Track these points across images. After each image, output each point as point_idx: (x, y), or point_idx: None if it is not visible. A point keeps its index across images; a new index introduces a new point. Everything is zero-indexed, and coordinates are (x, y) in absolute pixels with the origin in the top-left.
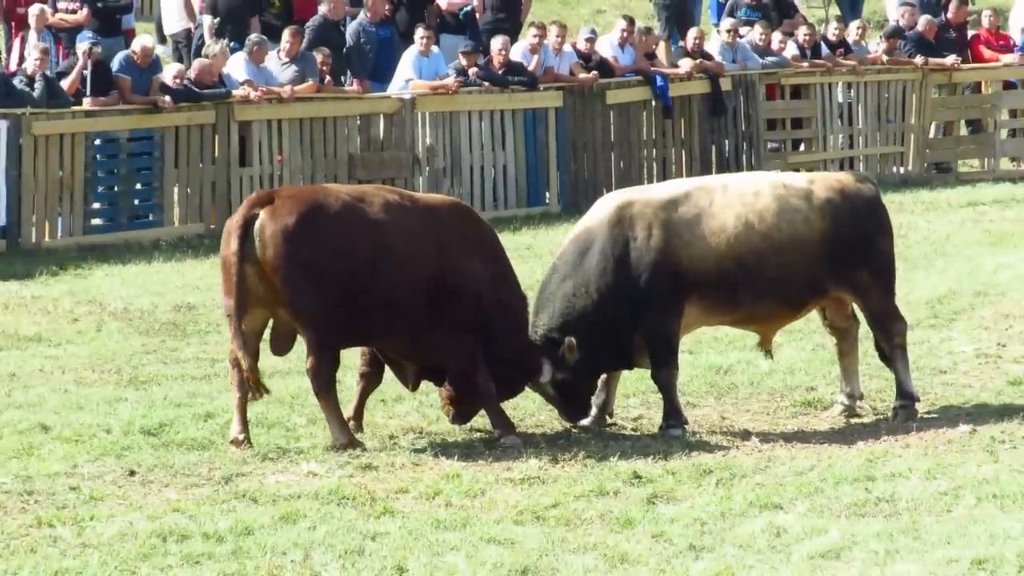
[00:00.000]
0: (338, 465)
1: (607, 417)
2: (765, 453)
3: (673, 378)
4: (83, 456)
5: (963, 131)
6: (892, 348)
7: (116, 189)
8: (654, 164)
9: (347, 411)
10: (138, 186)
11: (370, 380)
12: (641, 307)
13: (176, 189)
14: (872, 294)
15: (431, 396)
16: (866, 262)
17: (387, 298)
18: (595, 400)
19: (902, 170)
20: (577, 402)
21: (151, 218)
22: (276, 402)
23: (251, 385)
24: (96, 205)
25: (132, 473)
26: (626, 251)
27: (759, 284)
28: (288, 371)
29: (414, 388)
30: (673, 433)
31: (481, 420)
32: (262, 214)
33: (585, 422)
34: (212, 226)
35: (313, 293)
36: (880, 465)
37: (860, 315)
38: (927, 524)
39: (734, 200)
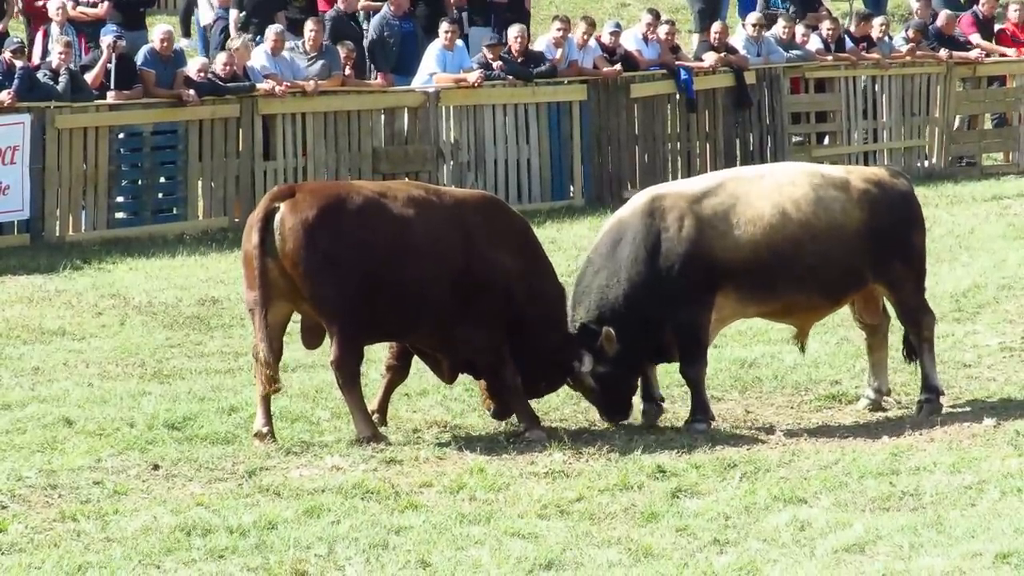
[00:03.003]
0: (362, 459)
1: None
2: (789, 447)
3: (702, 373)
4: (107, 450)
5: (987, 124)
6: (920, 342)
7: (140, 183)
8: (678, 157)
9: (371, 404)
10: (162, 180)
11: (396, 374)
12: (672, 299)
13: (200, 183)
14: (905, 287)
15: (456, 390)
16: (901, 255)
17: (411, 292)
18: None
19: (926, 163)
20: (618, 400)
21: (175, 212)
22: (300, 396)
23: (265, 379)
24: (120, 199)
25: (156, 467)
26: (658, 242)
27: (797, 272)
28: (312, 365)
29: (449, 381)
30: (698, 428)
31: None
32: (282, 208)
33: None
34: (236, 219)
35: (334, 286)
36: (905, 459)
37: (890, 310)
38: (951, 518)
39: (770, 189)
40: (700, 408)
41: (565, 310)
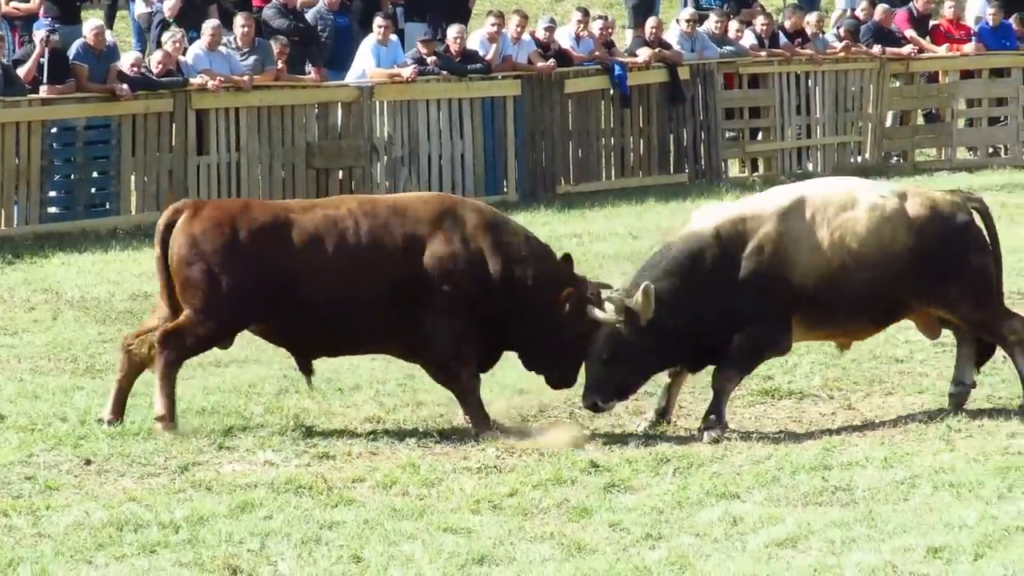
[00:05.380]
0: (294, 454)
1: (665, 423)
2: (722, 442)
3: (734, 385)
4: (39, 445)
5: (920, 120)
6: (1008, 347)
7: (73, 177)
8: (612, 153)
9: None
10: (95, 174)
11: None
12: (740, 317)
13: (133, 178)
14: (962, 307)
15: (388, 385)
16: (954, 278)
17: (339, 313)
18: (655, 406)
19: (859, 159)
20: (612, 381)
21: (108, 207)
22: (232, 391)
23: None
24: (52, 193)
25: (88, 462)
26: (737, 265)
27: (851, 300)
28: (244, 360)
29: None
30: (710, 435)
31: (437, 409)
32: (180, 219)
33: (641, 426)
34: None
35: (207, 301)
36: (837, 454)
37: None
38: (883, 513)
39: (830, 215)
40: (718, 414)
41: (556, 276)
